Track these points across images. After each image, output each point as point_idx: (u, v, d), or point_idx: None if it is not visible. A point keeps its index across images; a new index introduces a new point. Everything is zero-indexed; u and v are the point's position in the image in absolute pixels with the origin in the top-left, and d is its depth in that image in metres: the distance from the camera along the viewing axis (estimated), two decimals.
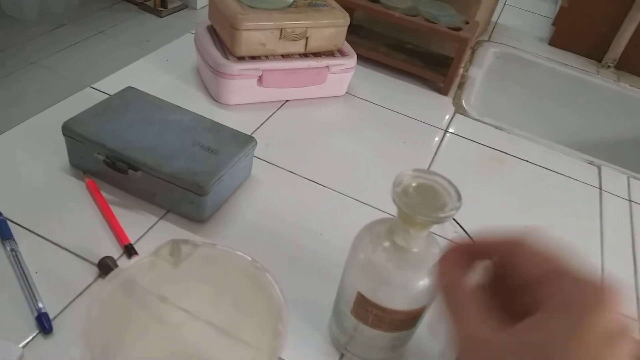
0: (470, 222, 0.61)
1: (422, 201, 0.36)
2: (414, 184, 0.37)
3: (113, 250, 0.50)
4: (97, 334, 0.33)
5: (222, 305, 0.38)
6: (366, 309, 0.40)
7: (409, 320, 0.41)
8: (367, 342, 0.44)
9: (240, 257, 0.35)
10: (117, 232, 0.51)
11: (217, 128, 0.58)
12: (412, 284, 0.39)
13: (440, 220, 0.35)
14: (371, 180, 0.64)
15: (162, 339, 0.39)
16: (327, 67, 0.73)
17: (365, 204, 0.61)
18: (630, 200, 0.72)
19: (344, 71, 0.75)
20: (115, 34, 2.49)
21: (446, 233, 0.60)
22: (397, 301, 0.39)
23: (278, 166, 0.64)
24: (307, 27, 0.68)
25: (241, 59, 0.68)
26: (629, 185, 0.75)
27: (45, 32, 2.43)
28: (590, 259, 0.61)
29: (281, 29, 0.67)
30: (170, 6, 2.76)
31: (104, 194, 0.55)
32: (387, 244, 0.39)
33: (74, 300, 0.45)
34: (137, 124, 0.56)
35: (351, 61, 0.75)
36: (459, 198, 0.36)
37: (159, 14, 2.73)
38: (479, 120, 0.82)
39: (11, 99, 1.97)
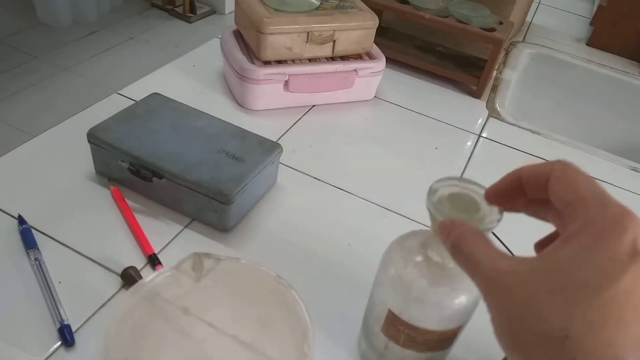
0: (507, 235, 0.58)
1: (459, 212, 0.33)
2: (449, 193, 0.34)
3: (137, 259, 0.49)
4: (118, 350, 0.32)
5: (246, 321, 0.36)
6: (397, 328, 0.38)
7: (443, 340, 0.38)
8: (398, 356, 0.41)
9: (264, 273, 0.33)
10: (141, 241, 0.50)
11: (243, 135, 0.57)
12: (448, 302, 0.36)
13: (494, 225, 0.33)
14: (402, 188, 0.62)
15: (184, 353, 0.38)
16: (354, 70, 0.71)
17: (396, 213, 0.59)
18: None
19: (373, 75, 0.73)
20: (146, 40, 2.53)
21: None
22: (431, 321, 0.37)
23: (304, 173, 0.62)
24: (334, 30, 0.67)
25: (267, 63, 0.67)
26: None
27: (77, 39, 2.48)
28: None
29: (308, 33, 0.65)
30: (199, 12, 2.79)
31: (128, 202, 0.54)
32: (419, 258, 0.37)
33: (96, 311, 0.44)
34: (162, 131, 0.55)
35: (380, 64, 0.73)
36: (501, 210, 0.33)
37: (188, 20, 2.76)
38: (514, 125, 0.79)
39: (42, 104, 2.01)
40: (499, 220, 0.33)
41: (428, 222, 0.34)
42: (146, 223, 0.52)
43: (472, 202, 0.34)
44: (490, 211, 0.33)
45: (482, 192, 0.34)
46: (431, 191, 0.34)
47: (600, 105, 1.01)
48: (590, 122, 1.02)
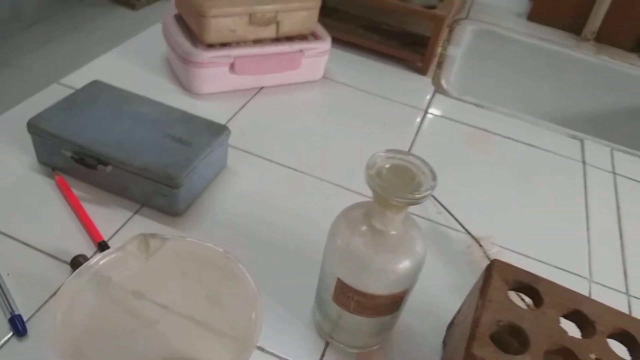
0: (455, 201, 0.60)
1: (396, 182, 0.34)
2: (387, 165, 0.35)
3: (86, 248, 0.48)
4: (67, 335, 0.32)
5: (197, 299, 0.37)
6: (347, 295, 0.39)
7: (391, 304, 0.40)
8: (351, 329, 0.43)
9: (211, 249, 0.33)
10: (89, 229, 0.49)
11: (189, 118, 0.56)
12: (392, 267, 0.37)
13: (416, 201, 0.34)
14: (350, 165, 0.63)
15: (136, 336, 0.38)
16: (300, 51, 0.71)
17: (346, 188, 0.60)
18: (614, 173, 0.72)
19: (319, 55, 0.73)
20: (89, 29, 2.44)
21: (429, 214, 0.59)
22: (378, 286, 0.38)
23: (255, 154, 0.63)
24: (277, 11, 0.67)
25: (211, 46, 0.66)
26: (612, 157, 0.75)
27: (17, 31, 2.37)
28: (576, 232, 0.61)
29: (250, 14, 0.65)
30: None
31: (74, 191, 0.53)
32: (364, 228, 0.38)
33: (47, 300, 0.44)
34: (105, 118, 0.54)
35: (325, 44, 0.73)
36: (434, 177, 0.35)
37: (132, 7, 2.67)
38: (459, 99, 0.81)
39: None
40: (433, 187, 0.34)
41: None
42: (94, 211, 0.51)
43: (408, 172, 0.35)
44: (425, 179, 0.34)
45: (418, 162, 0.35)
46: (369, 165, 0.35)
47: (540, 77, 1.05)
48: (531, 94, 1.06)
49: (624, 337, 0.38)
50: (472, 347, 0.34)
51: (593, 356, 0.35)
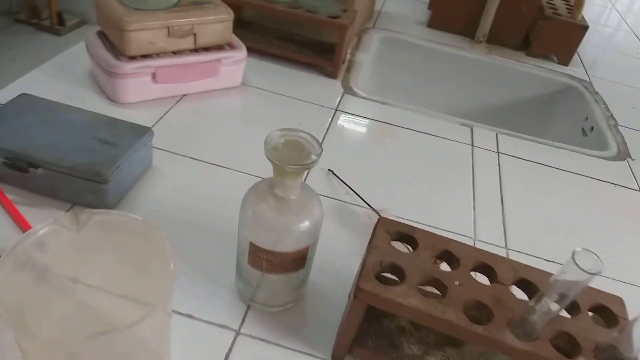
0: (361, 183, 0.69)
1: (290, 153, 0.42)
2: (282, 141, 0.43)
3: None
4: (9, 298, 0.36)
5: (125, 271, 0.42)
6: (259, 256, 0.46)
7: (297, 260, 0.47)
8: (269, 289, 0.50)
9: (133, 219, 0.39)
10: (25, 228, 0.54)
11: (114, 123, 0.62)
12: (294, 227, 0.45)
13: (307, 166, 0.42)
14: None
15: (67, 312, 0.42)
16: (218, 60, 0.78)
17: (261, 177, 0.67)
18: (498, 152, 0.83)
19: (235, 63, 0.81)
20: (11, 57, 2.40)
21: (339, 195, 0.67)
22: (283, 244, 0.45)
23: (179, 154, 0.69)
24: (192, 24, 0.73)
25: (133, 58, 0.72)
26: (497, 140, 0.86)
27: None
28: (464, 201, 0.71)
29: (168, 27, 0.71)
30: (68, 24, 2.68)
31: (8, 196, 0.57)
32: (269, 197, 0.45)
33: None
34: (34, 126, 0.59)
35: (241, 53, 0.80)
36: (320, 147, 0.43)
37: (57, 33, 2.65)
38: (367, 98, 0.91)
39: None
40: (319, 155, 0.42)
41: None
42: (28, 213, 0.55)
43: (299, 145, 0.43)
44: (313, 149, 0.42)
45: (307, 137, 0.43)
46: (267, 141, 0.43)
47: (440, 77, 1.17)
48: (433, 92, 1.18)
49: (484, 268, 0.47)
50: (359, 282, 0.42)
51: (457, 282, 0.44)
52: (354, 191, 0.67)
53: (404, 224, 0.49)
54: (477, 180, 0.76)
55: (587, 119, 1.05)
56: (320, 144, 0.43)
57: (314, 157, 0.42)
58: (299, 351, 0.48)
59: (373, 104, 0.90)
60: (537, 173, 0.81)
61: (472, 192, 0.73)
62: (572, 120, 1.09)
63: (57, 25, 2.66)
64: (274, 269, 0.47)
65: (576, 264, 0.35)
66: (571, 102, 1.12)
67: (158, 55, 0.74)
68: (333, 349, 0.47)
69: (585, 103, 1.08)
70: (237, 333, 0.49)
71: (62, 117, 0.61)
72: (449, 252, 0.47)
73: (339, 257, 0.58)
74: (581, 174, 0.82)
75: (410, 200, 0.69)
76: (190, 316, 0.49)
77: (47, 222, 0.37)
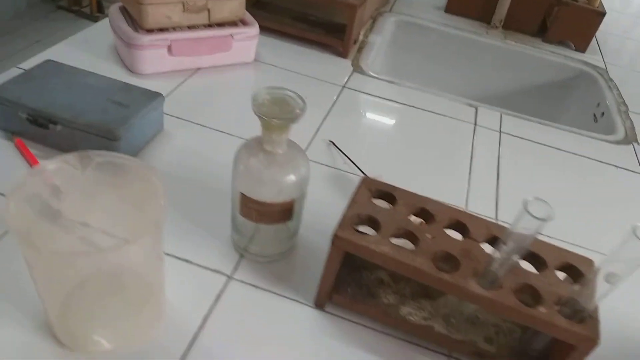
0: (359, 154, 0.72)
1: (276, 108, 0.46)
2: (268, 98, 0.47)
3: None
4: (19, 222, 0.40)
5: (124, 210, 0.46)
6: (249, 207, 0.50)
7: (285, 212, 0.51)
8: (261, 241, 0.53)
9: (132, 161, 0.44)
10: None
11: (129, 88, 0.67)
12: (280, 179, 0.49)
13: (292, 120, 0.45)
14: None
15: (71, 244, 0.46)
16: (230, 35, 0.82)
17: None
18: (500, 132, 0.85)
19: (248, 39, 0.85)
20: (53, 42, 2.50)
21: (337, 164, 0.71)
22: (271, 194, 0.49)
23: (189, 121, 0.73)
24: (207, 1, 0.78)
25: (150, 31, 0.77)
26: (500, 120, 0.88)
27: None
28: (459, 174, 0.73)
29: (183, 3, 0.76)
30: (107, 11, 2.79)
31: (31, 150, 0.62)
32: (258, 151, 0.49)
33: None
34: (57, 88, 0.64)
35: (253, 29, 0.84)
36: (304, 101, 0.46)
37: (96, 20, 2.75)
38: (374, 77, 0.93)
39: None
40: (302, 109, 0.45)
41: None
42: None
43: (284, 101, 0.47)
44: (297, 105, 0.46)
45: (292, 94, 0.47)
46: (254, 98, 0.46)
47: (455, 61, 1.19)
48: (448, 76, 1.19)
49: (457, 225, 0.50)
50: (337, 231, 0.46)
51: (429, 235, 0.47)
52: (350, 160, 0.70)
53: (385, 183, 0.52)
54: (476, 156, 0.78)
55: (598, 105, 1.05)
56: (304, 100, 0.46)
57: (298, 111, 0.45)
58: (286, 297, 0.52)
59: (381, 83, 0.92)
60: (537, 153, 0.82)
61: (469, 167, 0.75)
62: (584, 107, 1.09)
63: (97, 12, 2.77)
64: (263, 219, 0.51)
65: (528, 211, 0.38)
66: (584, 89, 1.12)
67: (174, 29, 0.78)
68: (315, 295, 0.51)
69: (598, 89, 1.08)
70: (230, 278, 0.53)
71: (82, 81, 0.66)
72: (425, 210, 0.50)
73: (330, 218, 0.61)
74: (583, 155, 0.84)
75: (406, 171, 0.72)
76: (187, 261, 0.54)
77: (54, 159, 0.42)
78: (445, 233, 0.48)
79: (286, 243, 0.55)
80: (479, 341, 0.48)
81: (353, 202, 0.49)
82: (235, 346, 0.47)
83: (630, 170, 0.83)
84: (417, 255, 0.45)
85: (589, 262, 0.48)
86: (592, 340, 0.41)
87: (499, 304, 0.43)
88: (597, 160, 0.83)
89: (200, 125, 0.73)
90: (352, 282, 0.51)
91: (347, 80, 0.90)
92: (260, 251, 0.55)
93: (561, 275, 0.47)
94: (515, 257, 0.42)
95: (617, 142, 0.90)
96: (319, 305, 0.51)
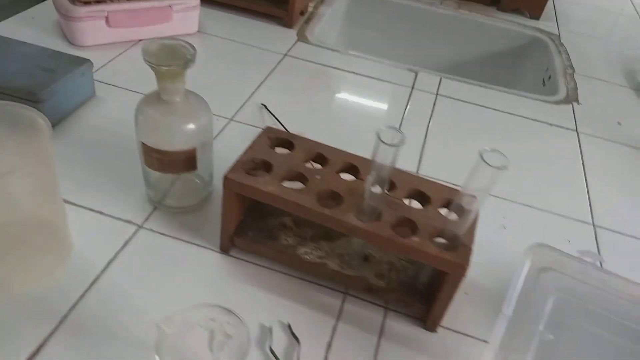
0: (291, 118, 0.74)
1: (166, 57, 0.48)
2: (159, 48, 0.49)
3: None
4: None
5: (10, 148, 0.48)
6: (150, 155, 0.52)
7: (187, 160, 0.53)
8: (174, 194, 0.56)
9: (23, 107, 0.46)
10: None
11: (58, 55, 0.69)
12: (177, 127, 0.51)
13: (179, 66, 0.47)
14: (218, 94, 0.76)
15: None
16: (169, 6, 0.84)
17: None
18: (437, 94, 0.87)
19: (188, 9, 0.86)
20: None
21: (264, 125, 0.73)
22: (169, 143, 0.51)
23: (124, 88, 0.75)
24: None
25: (87, 3, 0.79)
26: (439, 83, 0.90)
27: None
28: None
29: None
30: None
31: None
32: (156, 101, 0.51)
33: None
34: None
35: (193, 0, 0.86)
36: (194, 49, 0.48)
37: None
38: (318, 46, 0.95)
39: None
40: (192, 55, 0.47)
41: None
42: None
43: (175, 50, 0.48)
44: (187, 52, 0.48)
45: (183, 43, 0.49)
46: (144, 50, 0.48)
47: (411, 34, 1.20)
48: (401, 49, 1.21)
49: (351, 168, 0.52)
50: (227, 173, 0.48)
51: (318, 177, 0.49)
52: (278, 121, 0.72)
53: (285, 132, 0.54)
54: (407, 116, 0.80)
55: (547, 69, 1.06)
56: (194, 48, 0.48)
57: (188, 57, 0.47)
58: (194, 244, 0.54)
59: (324, 51, 0.94)
60: (472, 113, 0.84)
61: (398, 126, 0.77)
62: (535, 72, 1.11)
63: None
64: (166, 168, 0.53)
65: (484, 160, 0.40)
66: (536, 55, 1.13)
67: (112, 0, 0.80)
68: (220, 240, 0.53)
69: (548, 55, 1.09)
70: (140, 227, 0.55)
71: (14, 50, 0.68)
72: (321, 155, 0.52)
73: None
74: (518, 114, 0.85)
75: (334, 131, 0.74)
76: (100, 212, 0.56)
77: None
78: (337, 175, 0.50)
79: (199, 195, 0.58)
80: (370, 277, 0.50)
81: (250, 148, 0.51)
82: (138, 287, 0.49)
83: (565, 128, 0.84)
84: (303, 194, 0.47)
85: (473, 199, 0.50)
86: (461, 266, 0.43)
87: (375, 235, 0.45)
88: (532, 119, 0.85)
89: (134, 91, 0.75)
90: (255, 227, 0.54)
91: (290, 49, 0.92)
92: (173, 203, 0.57)
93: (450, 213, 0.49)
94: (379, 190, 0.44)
95: (557, 102, 0.91)
96: (224, 249, 0.54)
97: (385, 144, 0.39)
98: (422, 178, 0.52)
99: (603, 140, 0.83)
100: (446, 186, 0.51)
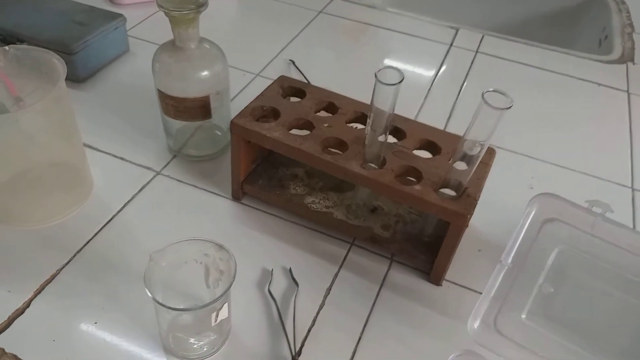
0: (322, 78, 0.73)
1: (179, 3, 0.48)
2: None
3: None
4: None
5: (34, 87, 0.50)
6: (166, 102, 0.53)
7: (201, 108, 0.53)
8: (195, 141, 0.57)
9: (44, 51, 0.48)
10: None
11: (92, 10, 0.71)
12: (191, 73, 0.51)
13: (191, 10, 0.47)
14: (242, 49, 0.76)
15: None
16: None
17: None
18: (477, 52, 0.83)
19: None
20: None
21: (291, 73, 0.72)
22: (183, 90, 0.52)
23: (157, 44, 0.76)
24: None
25: None
26: (481, 41, 0.85)
27: None
28: (419, 86, 0.73)
29: None
30: None
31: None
32: (171, 48, 0.52)
33: None
34: (26, 10, 0.70)
35: None
36: None
37: None
38: (355, 3, 0.93)
39: None
40: (205, 2, 0.47)
41: None
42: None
43: None
44: None
45: None
46: None
47: None
48: (459, 7, 1.15)
49: (361, 118, 0.50)
50: (234, 118, 0.48)
51: (326, 124, 0.48)
52: (304, 76, 0.72)
53: (300, 81, 0.54)
54: (442, 73, 0.77)
55: (604, 29, 0.98)
56: None
57: (200, 1, 0.48)
58: (207, 190, 0.55)
59: (361, 8, 0.91)
60: (512, 71, 0.79)
61: (431, 82, 0.74)
62: (591, 32, 1.03)
63: None
64: (180, 115, 0.54)
65: (486, 102, 0.38)
66: (593, 13, 1.05)
67: None
68: (232, 188, 0.54)
69: (607, 12, 1.01)
70: (157, 173, 0.57)
71: (50, 6, 0.71)
72: (332, 104, 0.51)
73: None
74: (565, 74, 0.80)
75: (360, 88, 0.72)
76: (122, 158, 0.58)
77: None
78: (345, 124, 0.49)
79: (217, 145, 0.59)
80: (376, 228, 0.50)
81: (261, 95, 0.51)
82: (150, 228, 0.51)
83: (615, 89, 0.78)
84: (307, 141, 0.47)
85: (490, 151, 0.48)
86: (462, 215, 0.42)
87: (376, 182, 0.44)
88: (578, 78, 0.79)
89: None
90: (265, 175, 0.54)
91: (326, 6, 0.91)
92: (193, 152, 0.58)
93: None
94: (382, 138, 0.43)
95: (610, 62, 0.85)
96: (235, 197, 0.54)
97: (383, 83, 0.38)
98: (435, 128, 0.50)
99: None
100: (459, 136, 0.49)
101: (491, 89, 0.37)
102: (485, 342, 0.38)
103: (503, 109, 0.37)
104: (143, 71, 0.71)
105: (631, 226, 0.55)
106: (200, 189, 0.56)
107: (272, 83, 0.53)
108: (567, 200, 0.43)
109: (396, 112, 0.43)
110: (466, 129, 0.40)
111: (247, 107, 0.50)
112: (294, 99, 0.53)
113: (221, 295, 0.37)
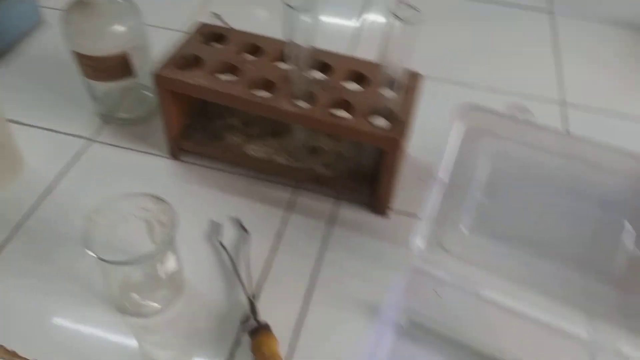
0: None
1: None
2: None
3: None
4: None
5: None
6: (84, 63, 0.51)
7: (121, 66, 0.51)
8: (126, 104, 0.55)
9: None
10: None
11: None
12: (104, 29, 0.49)
13: None
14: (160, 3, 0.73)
15: None
16: None
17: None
18: None
19: None
20: None
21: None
22: (98, 48, 0.49)
23: None
24: None
25: None
26: None
27: None
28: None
29: None
30: None
31: None
32: (80, 5, 0.49)
33: None
34: None
35: None
36: None
37: None
38: None
39: None
40: None
41: None
42: None
43: None
44: None
45: None
46: None
47: None
48: None
49: (282, 57, 0.49)
50: (157, 70, 0.46)
51: (252, 67, 0.47)
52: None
53: (219, 26, 0.52)
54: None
55: None
56: None
57: None
58: (144, 152, 0.54)
59: None
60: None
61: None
62: None
63: None
64: (101, 76, 0.52)
65: (393, 14, 0.37)
66: None
67: None
68: (168, 145, 0.53)
69: None
70: (90, 140, 0.55)
71: None
72: (255, 46, 0.50)
73: None
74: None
75: None
76: (50, 129, 0.56)
77: None
78: (270, 63, 0.48)
79: (149, 106, 0.57)
80: (317, 167, 0.50)
81: (181, 44, 0.49)
82: (90, 194, 0.49)
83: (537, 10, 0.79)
84: (235, 84, 0.46)
85: (417, 76, 0.48)
86: (394, 140, 0.42)
87: (307, 118, 0.44)
88: (503, 5, 0.80)
89: None
90: (200, 128, 0.53)
91: None
92: (125, 116, 0.56)
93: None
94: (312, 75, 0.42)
95: None
96: (173, 155, 0.53)
97: (292, 8, 0.37)
98: (360, 59, 0.50)
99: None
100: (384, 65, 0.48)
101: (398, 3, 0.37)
102: (431, 259, 0.39)
103: (410, 21, 0.36)
104: (59, 41, 0.67)
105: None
106: (138, 151, 0.54)
107: (193, 31, 0.51)
108: (490, 109, 0.43)
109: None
110: (380, 51, 0.40)
111: (169, 58, 0.48)
112: (216, 46, 0.51)
113: (163, 245, 0.36)
